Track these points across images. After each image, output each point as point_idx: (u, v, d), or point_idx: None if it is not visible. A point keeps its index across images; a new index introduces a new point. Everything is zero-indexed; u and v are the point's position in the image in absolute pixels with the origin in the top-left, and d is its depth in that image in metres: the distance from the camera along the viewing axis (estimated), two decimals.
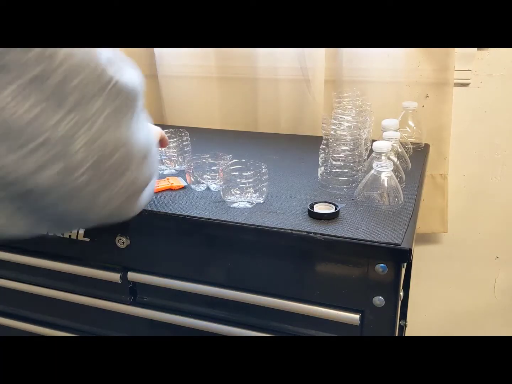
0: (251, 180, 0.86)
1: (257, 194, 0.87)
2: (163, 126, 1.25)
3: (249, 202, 0.87)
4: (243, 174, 0.86)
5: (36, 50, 0.42)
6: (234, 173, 0.87)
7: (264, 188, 0.88)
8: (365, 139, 0.99)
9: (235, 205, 0.87)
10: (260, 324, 0.91)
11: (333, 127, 0.93)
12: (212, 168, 0.95)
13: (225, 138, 1.35)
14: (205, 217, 0.84)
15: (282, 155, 1.16)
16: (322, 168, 0.97)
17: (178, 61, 1.42)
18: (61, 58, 0.43)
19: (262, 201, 0.89)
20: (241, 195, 0.87)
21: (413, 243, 0.78)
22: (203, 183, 0.94)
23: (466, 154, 1.34)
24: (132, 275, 0.95)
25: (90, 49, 0.47)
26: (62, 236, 0.97)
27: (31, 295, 1.07)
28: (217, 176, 0.93)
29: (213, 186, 0.94)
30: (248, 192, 0.87)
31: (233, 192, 0.87)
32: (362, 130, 0.95)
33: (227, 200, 0.88)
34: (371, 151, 0.91)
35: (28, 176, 0.45)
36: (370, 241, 0.76)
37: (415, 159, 1.09)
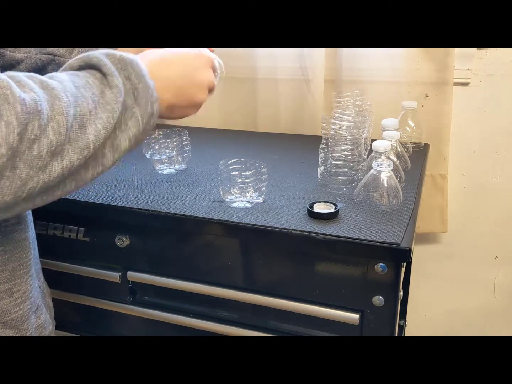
0: (251, 179, 0.86)
1: (257, 193, 0.87)
2: (162, 126, 1.25)
3: (249, 202, 0.87)
4: (242, 173, 0.86)
5: None
6: (234, 172, 0.87)
7: (264, 188, 0.88)
8: (364, 139, 0.99)
9: (234, 204, 0.87)
10: (260, 324, 0.91)
11: (333, 126, 0.93)
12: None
13: (225, 138, 1.34)
14: (205, 217, 0.84)
15: (282, 155, 1.16)
16: (322, 167, 0.97)
17: None
18: None
19: (261, 201, 0.89)
20: (241, 195, 0.87)
21: (413, 243, 0.78)
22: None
23: (466, 154, 1.34)
24: (132, 275, 0.95)
25: None
26: (61, 235, 0.97)
27: None
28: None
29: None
30: (248, 191, 0.87)
31: (232, 192, 0.87)
32: (361, 129, 0.95)
33: (227, 199, 0.88)
34: (371, 150, 0.91)
35: None
36: (370, 241, 0.76)
37: (415, 158, 1.09)
